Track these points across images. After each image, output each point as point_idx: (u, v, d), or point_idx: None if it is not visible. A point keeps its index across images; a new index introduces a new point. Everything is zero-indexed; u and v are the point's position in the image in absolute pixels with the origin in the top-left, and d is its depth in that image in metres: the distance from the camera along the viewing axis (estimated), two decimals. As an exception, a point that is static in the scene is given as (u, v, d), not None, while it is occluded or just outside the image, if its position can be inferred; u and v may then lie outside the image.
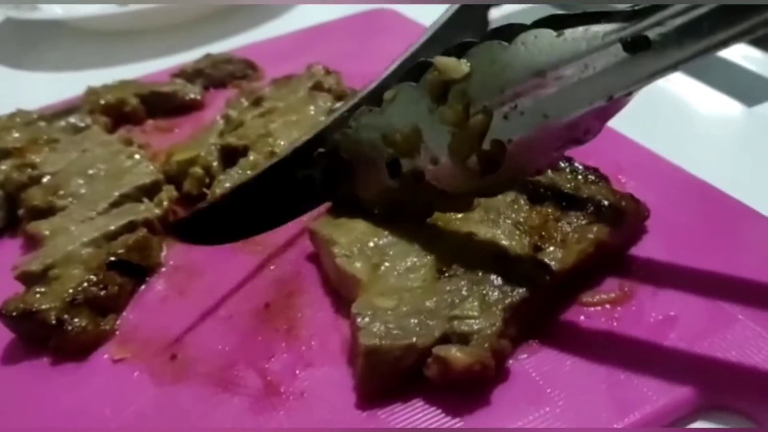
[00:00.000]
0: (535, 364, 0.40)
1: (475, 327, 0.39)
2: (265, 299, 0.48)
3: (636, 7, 0.33)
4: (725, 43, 0.30)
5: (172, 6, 0.95)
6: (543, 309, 0.42)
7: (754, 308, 0.42)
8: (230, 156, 0.60)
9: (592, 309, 0.43)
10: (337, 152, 0.48)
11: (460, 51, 0.40)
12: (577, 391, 0.38)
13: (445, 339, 0.39)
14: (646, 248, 0.47)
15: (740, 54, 0.73)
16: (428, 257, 0.44)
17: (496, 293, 0.41)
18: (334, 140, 0.48)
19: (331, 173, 0.49)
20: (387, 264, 0.43)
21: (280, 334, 0.45)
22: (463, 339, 0.39)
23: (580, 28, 0.35)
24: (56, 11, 1.01)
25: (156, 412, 0.41)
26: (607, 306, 0.43)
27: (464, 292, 0.41)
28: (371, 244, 0.45)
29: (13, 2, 0.99)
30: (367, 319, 0.39)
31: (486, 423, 0.37)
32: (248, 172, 0.56)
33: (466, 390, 0.38)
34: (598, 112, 0.36)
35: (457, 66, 0.40)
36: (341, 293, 0.46)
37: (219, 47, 0.87)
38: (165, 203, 0.55)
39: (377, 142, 0.45)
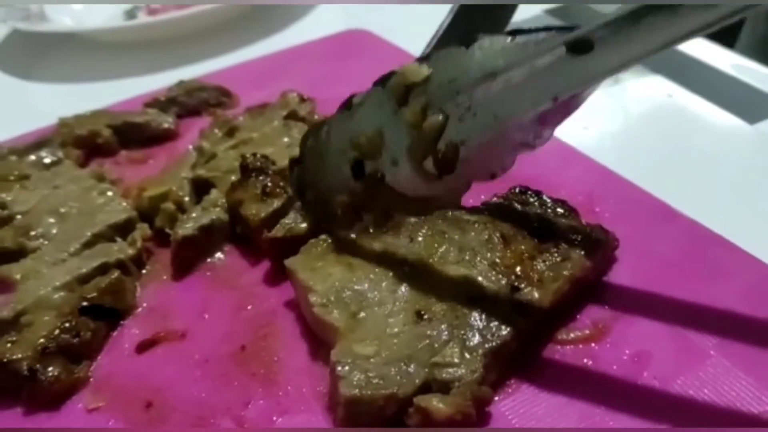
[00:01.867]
0: (511, 406, 0.41)
1: (456, 374, 0.39)
2: (241, 342, 0.47)
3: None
4: (667, 45, 0.31)
5: (183, 17, 0.94)
6: (521, 349, 0.43)
7: (726, 342, 0.42)
8: (202, 189, 0.59)
9: (567, 347, 0.44)
10: (307, 156, 0.49)
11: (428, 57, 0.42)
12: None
13: (426, 386, 0.39)
14: (619, 278, 0.48)
15: (742, 69, 0.73)
16: (406, 301, 0.44)
17: (476, 338, 0.41)
18: (305, 146, 0.49)
19: (300, 180, 0.50)
20: (365, 310, 0.43)
21: (256, 379, 0.45)
22: (444, 387, 0.39)
23: (533, 35, 0.36)
24: (65, 23, 1.00)
25: (131, 464, 0.41)
26: (581, 345, 0.43)
27: (444, 337, 0.41)
28: (348, 291, 0.45)
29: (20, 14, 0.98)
30: (347, 368, 0.39)
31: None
32: (212, 209, 0.56)
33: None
34: (546, 115, 0.37)
35: (417, 70, 0.41)
36: (319, 336, 0.46)
37: (228, 59, 0.89)
38: (138, 243, 0.55)
39: (345, 145, 0.46)
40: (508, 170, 0.41)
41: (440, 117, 0.41)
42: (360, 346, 0.41)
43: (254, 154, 0.57)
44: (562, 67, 0.35)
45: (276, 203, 0.54)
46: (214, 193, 0.57)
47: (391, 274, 0.45)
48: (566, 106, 0.37)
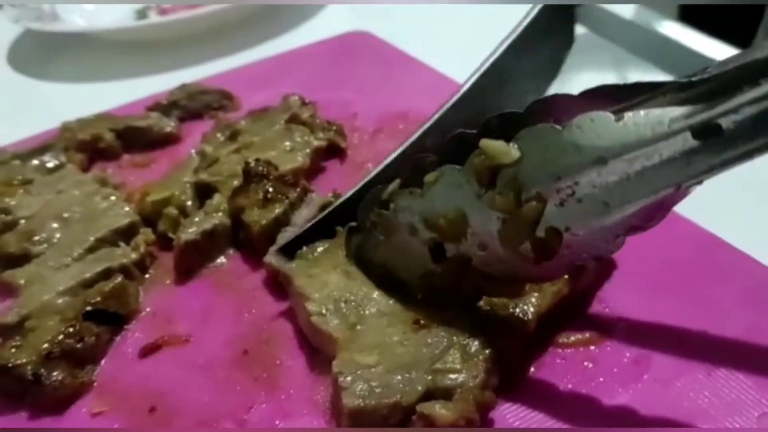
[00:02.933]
0: (512, 410, 0.41)
1: (459, 380, 0.39)
2: (243, 346, 0.48)
3: (693, 78, 0.32)
4: None
5: (194, 17, 0.94)
6: (521, 353, 0.43)
7: (726, 345, 0.43)
8: (205, 194, 0.60)
9: (568, 350, 0.44)
10: (370, 231, 0.47)
11: (503, 125, 0.39)
12: (554, 435, 0.39)
13: (429, 393, 0.39)
14: (620, 281, 0.48)
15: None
16: (404, 310, 0.44)
17: (476, 344, 0.41)
18: (368, 218, 0.47)
19: (363, 248, 0.48)
20: (363, 320, 0.43)
21: (259, 383, 0.45)
22: (447, 393, 0.39)
23: (641, 112, 0.33)
24: (77, 23, 1.01)
25: (135, 468, 0.41)
26: (581, 348, 0.43)
27: (445, 344, 0.41)
28: (345, 300, 0.45)
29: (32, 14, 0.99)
30: (349, 378, 0.39)
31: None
32: (215, 214, 0.56)
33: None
34: (664, 199, 0.34)
35: (507, 151, 0.38)
36: (314, 344, 0.46)
37: (231, 61, 0.89)
38: (141, 247, 0.55)
39: (418, 225, 0.43)
40: (614, 253, 0.38)
41: (539, 203, 0.37)
42: (361, 356, 0.41)
43: (257, 160, 0.57)
44: (688, 154, 0.32)
45: (278, 209, 0.54)
46: (217, 198, 0.57)
47: (387, 282, 0.45)
48: (687, 191, 0.34)
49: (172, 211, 0.58)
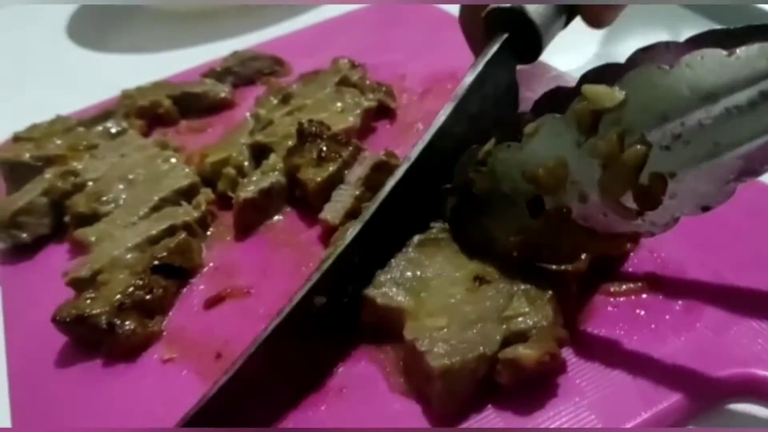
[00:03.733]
0: (566, 358, 0.41)
1: (530, 323, 0.40)
2: (302, 297, 0.50)
3: None
4: None
5: None
6: (577, 296, 0.44)
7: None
8: (261, 154, 0.62)
9: (620, 299, 0.44)
10: (469, 189, 0.45)
11: (600, 75, 0.38)
12: (605, 381, 0.39)
13: (505, 342, 0.39)
14: (673, 232, 0.48)
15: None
16: (460, 270, 0.44)
17: (535, 288, 0.42)
18: (465, 176, 0.45)
19: (459, 212, 0.46)
20: (426, 286, 0.44)
21: (317, 332, 0.47)
22: (523, 337, 0.39)
23: (755, 46, 0.32)
24: None
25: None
26: (633, 297, 0.44)
27: (506, 294, 0.42)
28: (406, 272, 0.45)
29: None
30: (427, 342, 0.39)
31: (520, 417, 0.39)
32: (271, 173, 0.58)
33: (532, 388, 0.39)
34: None
35: (610, 94, 0.36)
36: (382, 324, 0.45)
37: (280, 29, 0.92)
38: (202, 206, 0.58)
39: (517, 178, 0.42)
40: (724, 203, 0.36)
41: (642, 147, 0.36)
42: (431, 320, 0.41)
43: (310, 120, 0.59)
44: None
45: (332, 167, 0.56)
46: (273, 158, 0.59)
47: (436, 247, 0.46)
48: None
49: (230, 171, 0.60)
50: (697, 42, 0.35)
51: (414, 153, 0.47)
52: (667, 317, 0.42)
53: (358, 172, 0.56)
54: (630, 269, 0.46)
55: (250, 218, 0.57)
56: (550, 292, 0.41)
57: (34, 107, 0.77)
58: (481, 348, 0.39)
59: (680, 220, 0.38)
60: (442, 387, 0.38)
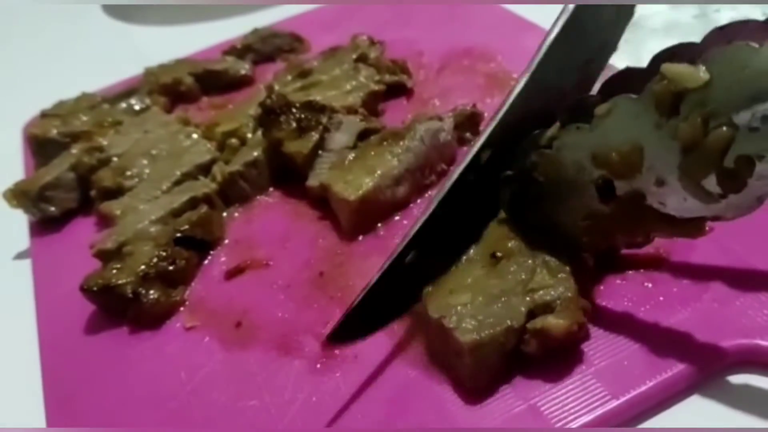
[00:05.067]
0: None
1: (555, 294, 0.40)
2: (319, 269, 0.51)
3: None
4: None
5: None
6: (593, 273, 0.44)
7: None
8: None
9: (629, 272, 0.45)
10: (529, 174, 0.44)
11: (674, 56, 0.36)
12: (611, 350, 0.41)
13: (531, 313, 0.40)
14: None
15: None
16: (476, 247, 0.45)
17: (555, 261, 0.42)
18: (527, 161, 0.43)
19: (519, 197, 0.45)
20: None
21: (334, 302, 0.48)
22: (548, 308, 0.40)
23: None
24: None
25: (225, 375, 0.46)
26: (642, 270, 0.45)
27: (528, 267, 0.42)
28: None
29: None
30: (455, 318, 0.40)
31: (528, 385, 0.40)
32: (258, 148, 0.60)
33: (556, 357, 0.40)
34: None
35: (694, 74, 0.34)
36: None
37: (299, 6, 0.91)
38: (218, 176, 0.59)
39: (585, 162, 0.40)
40: None
41: (729, 130, 0.33)
42: (454, 298, 0.42)
43: (269, 96, 0.60)
44: None
45: (315, 136, 0.57)
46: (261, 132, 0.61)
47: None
48: None
49: (233, 141, 0.62)
50: None
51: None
52: (675, 289, 0.43)
53: (338, 139, 0.57)
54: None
55: (237, 191, 0.59)
56: (569, 266, 0.42)
57: (66, 80, 0.80)
58: (508, 321, 0.39)
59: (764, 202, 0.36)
60: (473, 362, 0.39)
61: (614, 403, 0.38)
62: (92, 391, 0.47)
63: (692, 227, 0.39)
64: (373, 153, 0.55)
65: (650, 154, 0.37)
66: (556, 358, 0.40)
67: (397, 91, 0.68)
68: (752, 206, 0.36)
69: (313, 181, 0.56)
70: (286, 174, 0.59)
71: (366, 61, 0.69)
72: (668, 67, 0.35)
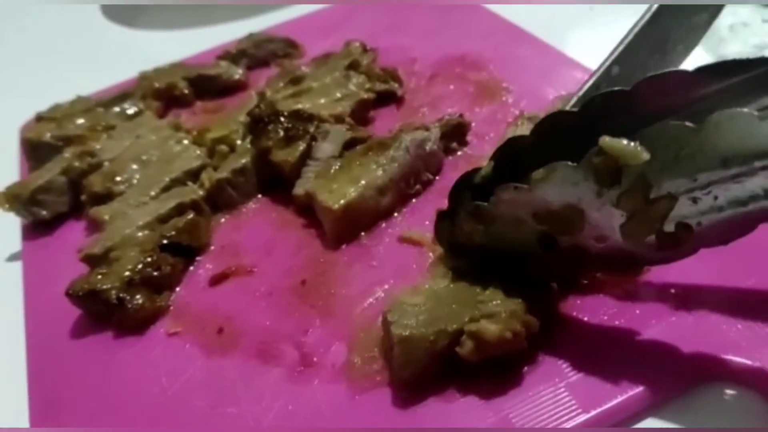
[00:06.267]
0: (551, 342, 0.43)
1: (502, 305, 0.41)
2: (301, 277, 0.52)
3: None
4: None
5: None
6: (558, 296, 0.45)
7: (761, 283, 0.43)
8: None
9: (605, 286, 0.45)
10: (467, 219, 0.45)
11: (607, 103, 0.39)
12: (585, 363, 0.41)
13: (473, 320, 0.41)
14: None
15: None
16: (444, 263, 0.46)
17: (513, 283, 0.43)
18: (462, 206, 0.45)
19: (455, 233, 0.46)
20: None
21: (315, 310, 0.49)
22: (491, 317, 0.41)
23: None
24: None
25: (206, 381, 0.46)
26: (619, 284, 0.45)
27: (485, 285, 0.43)
28: None
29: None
30: (397, 315, 0.42)
31: (500, 397, 0.40)
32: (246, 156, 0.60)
33: (497, 371, 0.41)
34: None
35: (636, 153, 0.35)
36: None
37: (295, 10, 0.92)
38: (206, 183, 0.60)
39: (525, 217, 0.41)
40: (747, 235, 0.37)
41: (670, 201, 0.36)
42: (408, 298, 0.43)
43: (258, 105, 0.61)
44: None
45: (302, 145, 0.57)
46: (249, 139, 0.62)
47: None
48: None
49: (223, 148, 0.62)
50: (709, 73, 0.35)
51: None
52: (651, 303, 0.43)
53: (325, 148, 0.58)
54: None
55: (226, 198, 0.60)
56: (526, 286, 0.43)
57: (64, 83, 0.80)
58: (444, 324, 0.41)
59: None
60: (399, 354, 0.41)
61: (585, 417, 0.38)
62: (75, 393, 0.48)
63: (632, 270, 0.43)
64: (358, 162, 0.55)
65: (592, 217, 0.39)
66: (529, 369, 0.41)
67: (388, 98, 0.68)
68: (689, 255, 0.39)
69: (299, 190, 0.56)
70: (274, 182, 0.60)
71: (358, 69, 0.69)
72: (608, 143, 0.36)
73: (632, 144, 0.35)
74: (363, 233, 0.54)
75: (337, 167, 0.56)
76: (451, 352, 0.41)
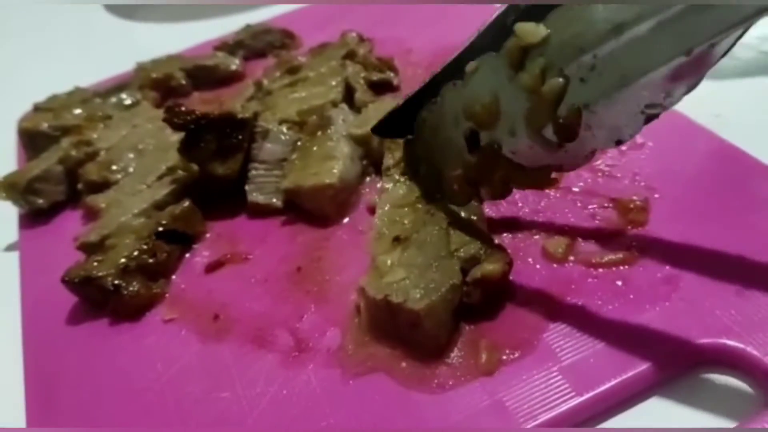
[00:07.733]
0: (548, 329, 0.43)
1: (477, 246, 0.44)
2: (297, 263, 0.52)
3: None
4: None
5: None
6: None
7: (758, 269, 0.43)
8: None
9: (600, 270, 0.45)
10: (421, 134, 0.48)
11: (542, 13, 0.39)
12: (578, 348, 0.41)
13: (463, 270, 0.43)
14: (657, 207, 0.49)
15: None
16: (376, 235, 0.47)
17: (464, 217, 0.46)
18: (420, 116, 0.48)
19: (414, 151, 0.50)
20: None
21: (310, 296, 0.49)
22: (475, 259, 0.43)
23: None
24: None
25: (201, 367, 0.46)
26: (614, 268, 0.45)
27: (442, 233, 0.45)
28: None
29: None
30: (400, 293, 0.42)
31: (494, 381, 0.40)
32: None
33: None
34: (678, 70, 0.33)
35: (534, 30, 0.38)
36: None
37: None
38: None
39: (459, 116, 0.44)
40: (634, 136, 0.38)
41: (560, 80, 0.37)
42: (388, 278, 0.44)
43: (171, 109, 0.58)
44: (696, 10, 0.31)
45: (240, 155, 0.57)
46: None
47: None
48: (701, 62, 0.33)
49: None
50: None
51: None
52: (645, 288, 0.44)
53: (271, 150, 0.58)
54: (612, 241, 0.47)
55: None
56: (475, 216, 0.46)
57: (62, 75, 0.80)
58: (450, 280, 0.42)
59: (596, 154, 0.40)
60: (431, 325, 0.41)
61: (577, 400, 0.38)
62: (71, 380, 0.48)
63: (540, 176, 0.42)
64: (315, 148, 0.57)
65: (504, 105, 0.41)
66: (523, 353, 0.41)
67: (384, 87, 0.68)
68: (588, 157, 0.40)
69: (257, 197, 0.57)
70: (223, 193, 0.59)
71: (354, 58, 0.69)
72: (519, 26, 0.38)
73: (536, 25, 0.38)
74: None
75: (296, 161, 0.57)
76: (461, 302, 0.43)
